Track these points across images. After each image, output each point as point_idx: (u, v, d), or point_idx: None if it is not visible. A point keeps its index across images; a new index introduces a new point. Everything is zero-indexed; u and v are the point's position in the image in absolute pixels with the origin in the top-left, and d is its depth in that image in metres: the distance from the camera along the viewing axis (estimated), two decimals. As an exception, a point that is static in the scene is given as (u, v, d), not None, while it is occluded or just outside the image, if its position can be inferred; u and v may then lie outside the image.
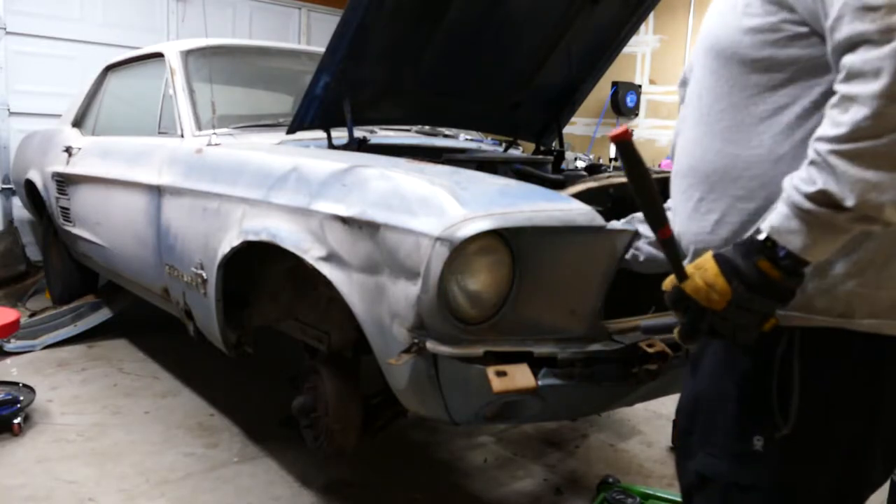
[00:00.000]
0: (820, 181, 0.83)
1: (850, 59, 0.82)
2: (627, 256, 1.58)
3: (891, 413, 0.97)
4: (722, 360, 1.02)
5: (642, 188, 0.95)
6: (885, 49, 0.79)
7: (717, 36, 1.03)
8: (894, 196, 0.81)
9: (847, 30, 0.82)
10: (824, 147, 0.83)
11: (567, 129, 3.22)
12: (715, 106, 1.02)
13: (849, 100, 0.82)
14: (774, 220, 0.87)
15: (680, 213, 1.08)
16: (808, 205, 0.84)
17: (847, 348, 0.93)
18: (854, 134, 0.81)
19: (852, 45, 0.82)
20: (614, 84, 6.35)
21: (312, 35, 6.74)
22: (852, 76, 0.82)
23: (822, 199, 0.83)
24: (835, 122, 0.83)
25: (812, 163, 0.85)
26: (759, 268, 0.87)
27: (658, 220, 0.96)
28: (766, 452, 0.95)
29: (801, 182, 0.85)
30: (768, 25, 0.95)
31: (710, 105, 1.03)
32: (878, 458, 1.00)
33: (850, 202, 0.81)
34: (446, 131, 3.35)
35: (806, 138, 0.90)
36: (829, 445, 0.95)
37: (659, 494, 2.24)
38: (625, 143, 0.93)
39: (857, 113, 0.80)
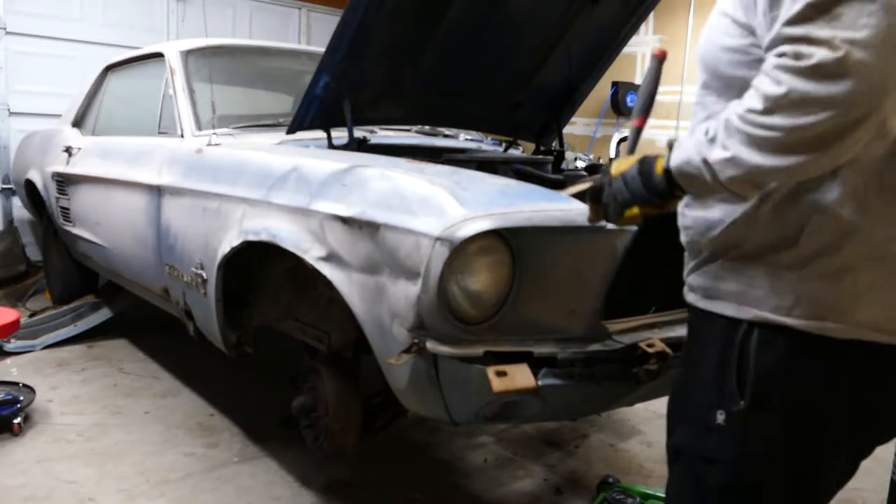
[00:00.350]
0: (720, 151, 0.93)
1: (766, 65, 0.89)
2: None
3: (850, 415, 1.01)
4: (696, 350, 1.12)
5: (645, 92, 1.25)
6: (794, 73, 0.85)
7: (705, 50, 1.10)
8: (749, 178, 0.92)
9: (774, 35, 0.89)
10: (736, 118, 0.91)
11: (567, 129, 3.22)
12: (700, 114, 1.11)
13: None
14: (678, 160, 0.99)
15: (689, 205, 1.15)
16: (703, 165, 0.95)
17: (795, 344, 0.99)
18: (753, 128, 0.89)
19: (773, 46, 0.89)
20: (614, 84, 6.35)
21: (312, 35, 6.74)
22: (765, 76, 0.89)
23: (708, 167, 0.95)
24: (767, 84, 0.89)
25: (727, 124, 0.92)
26: (655, 169, 1.03)
27: (639, 112, 1.23)
28: (726, 426, 1.03)
29: (707, 146, 0.94)
30: (741, 47, 1.01)
31: (698, 114, 1.12)
32: (839, 449, 1.04)
33: (724, 173, 0.93)
34: (446, 131, 3.35)
35: None
36: (782, 427, 1.01)
37: (659, 494, 2.24)
38: (660, 62, 1.29)
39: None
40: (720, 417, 1.03)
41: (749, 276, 1.02)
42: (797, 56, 0.84)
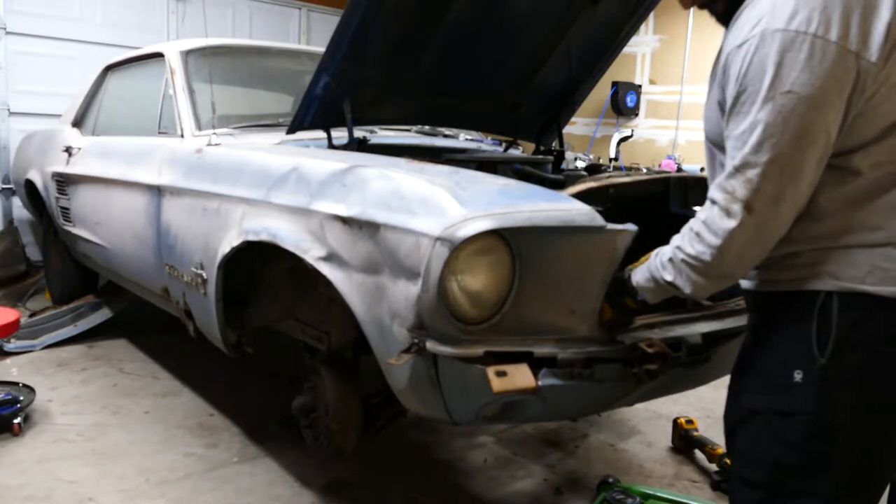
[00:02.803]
0: (670, 276, 1.30)
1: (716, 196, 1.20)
2: None
3: None
4: (764, 327, 1.29)
5: None
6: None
7: (705, 116, 1.33)
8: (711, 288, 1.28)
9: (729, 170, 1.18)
10: (679, 256, 1.26)
11: (567, 129, 3.22)
12: (708, 171, 1.37)
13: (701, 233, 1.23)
14: (639, 277, 1.42)
15: None
16: (662, 281, 1.33)
17: (873, 311, 1.15)
18: (698, 259, 1.23)
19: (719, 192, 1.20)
20: (614, 84, 6.35)
21: (312, 35, 6.74)
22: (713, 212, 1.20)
23: (671, 285, 1.31)
24: (693, 241, 1.24)
25: (670, 260, 1.29)
26: (624, 301, 1.53)
27: None
28: (804, 383, 1.18)
29: (661, 269, 1.32)
30: (720, 122, 1.24)
31: (707, 169, 1.39)
32: None
33: (686, 291, 1.29)
34: (446, 131, 3.34)
35: None
36: (857, 376, 1.16)
37: (659, 494, 2.24)
38: None
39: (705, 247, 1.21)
40: (798, 376, 1.18)
41: (821, 258, 1.19)
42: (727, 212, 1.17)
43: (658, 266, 1.33)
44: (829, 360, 1.16)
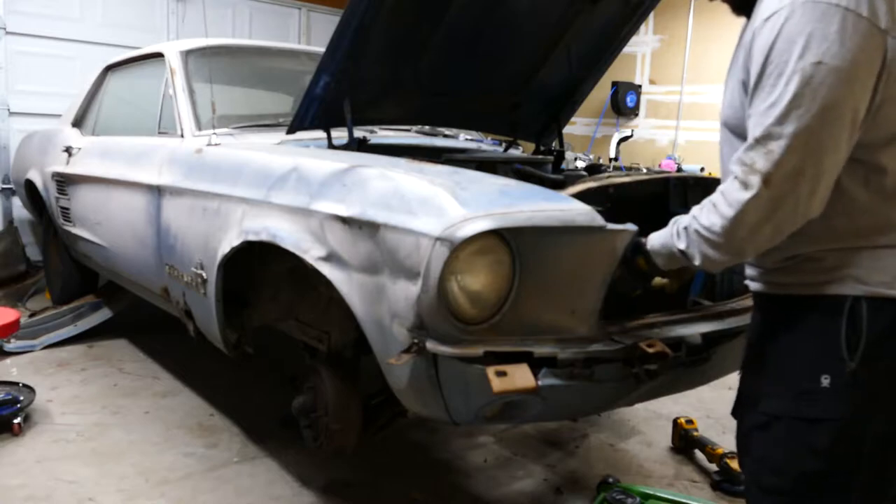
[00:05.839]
0: (683, 244, 1.30)
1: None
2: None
3: None
4: (785, 333, 1.25)
5: None
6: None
7: (724, 103, 1.30)
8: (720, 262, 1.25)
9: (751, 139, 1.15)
10: (694, 225, 1.25)
11: (567, 129, 3.22)
12: (722, 162, 1.35)
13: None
14: (655, 241, 1.41)
15: None
16: (675, 249, 1.33)
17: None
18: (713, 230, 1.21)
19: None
20: (614, 84, 6.35)
21: (312, 35, 6.74)
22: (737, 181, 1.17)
23: (682, 253, 1.31)
24: (709, 211, 1.22)
25: (685, 228, 1.29)
26: (637, 261, 1.50)
27: None
28: (832, 388, 1.16)
29: (676, 238, 1.31)
30: (742, 104, 1.21)
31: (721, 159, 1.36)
32: None
33: (696, 262, 1.28)
34: (446, 131, 3.34)
35: None
36: (888, 381, 1.15)
37: (659, 494, 2.24)
38: None
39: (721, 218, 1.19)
40: (825, 381, 1.16)
41: (846, 261, 1.18)
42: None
43: (674, 234, 1.32)
44: (859, 365, 1.14)
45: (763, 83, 1.13)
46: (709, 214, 1.21)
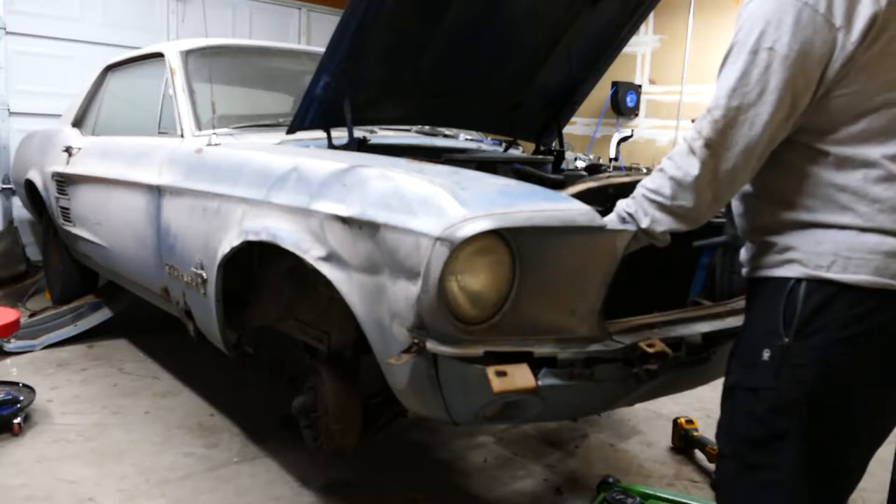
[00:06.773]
0: (632, 209, 1.43)
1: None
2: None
3: (882, 351, 1.22)
4: (750, 311, 1.37)
5: None
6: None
7: None
8: (664, 223, 1.37)
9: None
10: (641, 190, 1.39)
11: (567, 129, 3.22)
12: None
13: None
14: (614, 211, 1.50)
15: None
16: (624, 214, 1.46)
17: (835, 296, 1.22)
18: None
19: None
20: (614, 84, 6.35)
21: (312, 35, 6.74)
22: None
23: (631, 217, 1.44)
24: (656, 175, 1.35)
25: (633, 195, 1.42)
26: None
27: None
28: (770, 360, 1.27)
29: (626, 205, 1.45)
30: None
31: None
32: (866, 385, 1.24)
33: (642, 224, 1.41)
34: (446, 131, 3.34)
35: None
36: (817, 355, 1.23)
37: (659, 494, 2.24)
38: None
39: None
40: (766, 354, 1.27)
41: (794, 243, 1.26)
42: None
43: (627, 202, 1.44)
44: (791, 340, 1.24)
45: (726, 59, 1.25)
46: (656, 178, 1.34)
